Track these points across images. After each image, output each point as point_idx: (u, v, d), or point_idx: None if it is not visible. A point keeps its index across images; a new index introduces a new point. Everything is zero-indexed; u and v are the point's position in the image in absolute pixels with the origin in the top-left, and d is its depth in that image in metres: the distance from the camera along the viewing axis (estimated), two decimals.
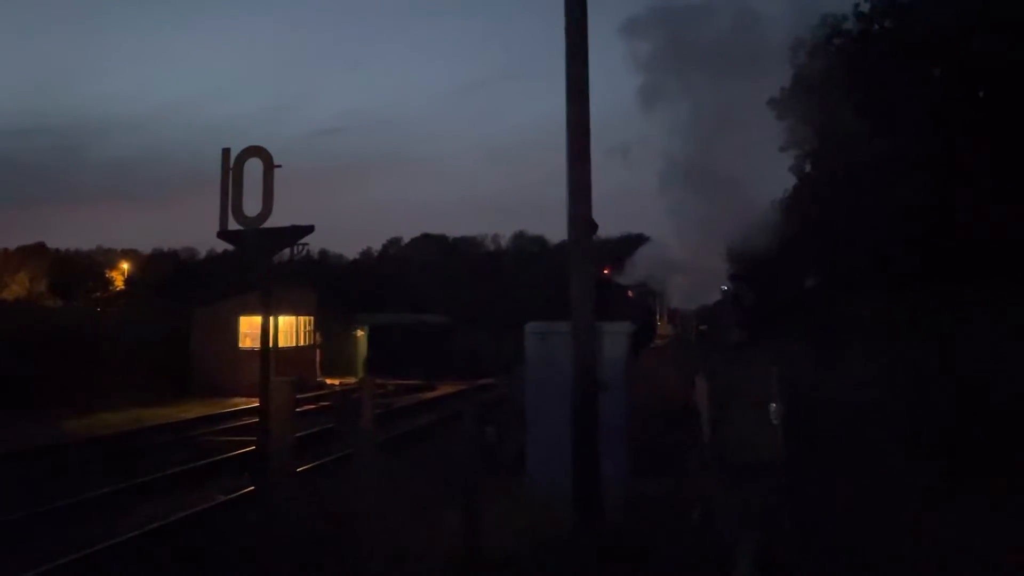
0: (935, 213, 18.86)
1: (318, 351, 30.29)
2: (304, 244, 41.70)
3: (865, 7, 23.19)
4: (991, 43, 17.76)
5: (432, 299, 61.65)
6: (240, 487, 10.77)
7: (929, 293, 16.70)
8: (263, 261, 7.59)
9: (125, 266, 64.45)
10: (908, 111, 19.53)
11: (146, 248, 79.85)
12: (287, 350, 25.80)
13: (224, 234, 7.46)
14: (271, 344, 7.41)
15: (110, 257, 70.36)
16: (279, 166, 7.22)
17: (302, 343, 29.12)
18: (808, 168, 28.87)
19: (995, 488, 8.76)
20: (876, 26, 22.88)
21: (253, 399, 14.01)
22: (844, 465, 9.95)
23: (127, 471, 11.85)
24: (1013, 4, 17.51)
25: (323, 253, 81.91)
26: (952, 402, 11.77)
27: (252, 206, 7.30)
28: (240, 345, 25.61)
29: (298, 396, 12.39)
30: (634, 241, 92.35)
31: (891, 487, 9.07)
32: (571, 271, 7.49)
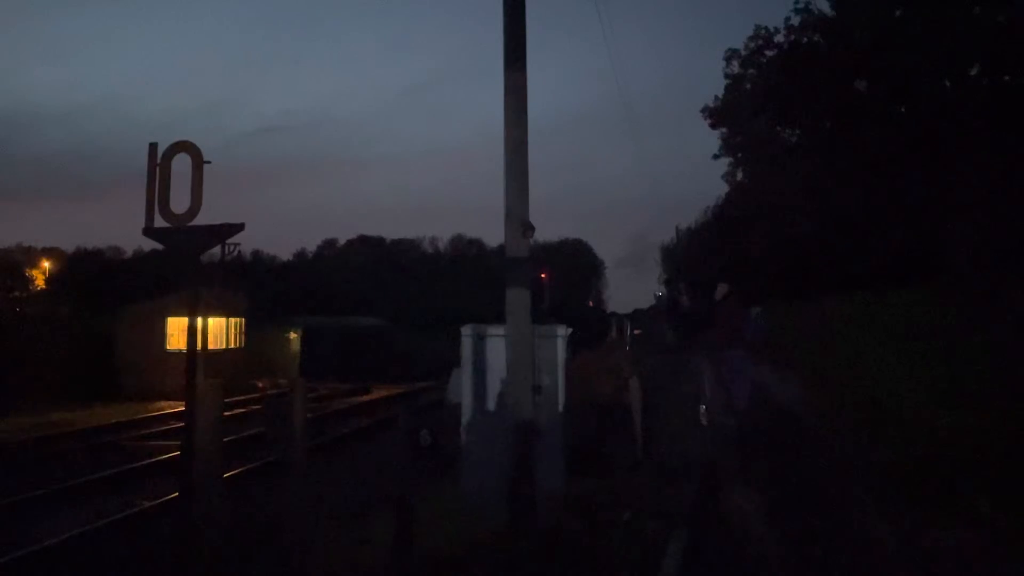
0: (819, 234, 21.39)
1: (249, 353, 29.63)
2: (236, 244, 40.84)
3: (795, 21, 23.98)
4: (909, 60, 18.53)
5: (368, 301, 61.05)
6: (161, 494, 10.42)
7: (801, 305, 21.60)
8: (191, 259, 7.35)
9: (46, 264, 61.96)
10: (833, 124, 20.20)
11: (69, 246, 77.03)
12: (216, 352, 25.17)
13: (150, 231, 7.20)
14: (199, 346, 7.19)
15: (30, 255, 67.52)
16: (208, 162, 6.98)
17: (232, 345, 28.45)
18: (740, 176, 29.67)
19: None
20: (805, 39, 23.64)
21: (181, 402, 13.58)
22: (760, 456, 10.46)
23: (35, 480, 11.26)
24: (926, 26, 18.33)
25: (256, 254, 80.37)
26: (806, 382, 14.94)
27: (181, 204, 7.08)
28: (167, 347, 24.90)
29: (227, 399, 12.06)
30: (571, 246, 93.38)
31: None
32: (507, 270, 7.45)
